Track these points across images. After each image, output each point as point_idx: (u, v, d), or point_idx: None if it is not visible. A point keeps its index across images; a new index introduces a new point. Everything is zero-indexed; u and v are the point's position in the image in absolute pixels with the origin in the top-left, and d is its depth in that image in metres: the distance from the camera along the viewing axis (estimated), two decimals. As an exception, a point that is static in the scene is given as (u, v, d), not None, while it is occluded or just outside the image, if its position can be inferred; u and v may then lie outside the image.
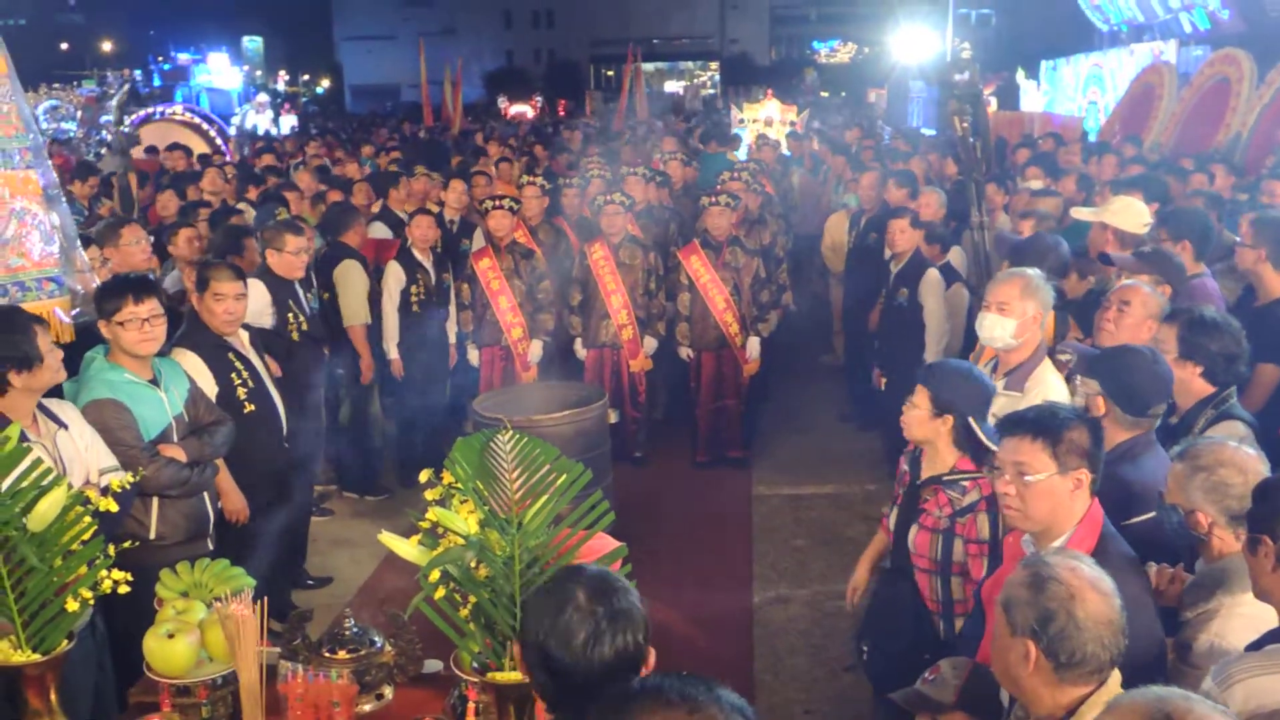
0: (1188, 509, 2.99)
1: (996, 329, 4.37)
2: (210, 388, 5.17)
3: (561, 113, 40.84)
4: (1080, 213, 6.37)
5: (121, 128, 10.26)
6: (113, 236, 6.15)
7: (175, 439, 4.55)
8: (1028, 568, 2.48)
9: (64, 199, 4.98)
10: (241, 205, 9.35)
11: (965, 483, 3.80)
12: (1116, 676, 2.40)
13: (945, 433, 3.83)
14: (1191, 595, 3.00)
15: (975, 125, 7.29)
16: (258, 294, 6.02)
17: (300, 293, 6.55)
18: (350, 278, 7.60)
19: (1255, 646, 2.58)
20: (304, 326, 6.43)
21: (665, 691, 1.74)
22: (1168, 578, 3.07)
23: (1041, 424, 3.03)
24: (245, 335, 5.57)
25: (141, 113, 21.65)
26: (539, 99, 45.79)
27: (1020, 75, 23.53)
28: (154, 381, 4.53)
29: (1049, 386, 4.25)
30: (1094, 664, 2.37)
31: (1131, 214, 5.78)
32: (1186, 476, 3.02)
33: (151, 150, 16.01)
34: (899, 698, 3.16)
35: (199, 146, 17.54)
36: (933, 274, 7.30)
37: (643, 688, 1.78)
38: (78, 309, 4.75)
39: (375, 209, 9.51)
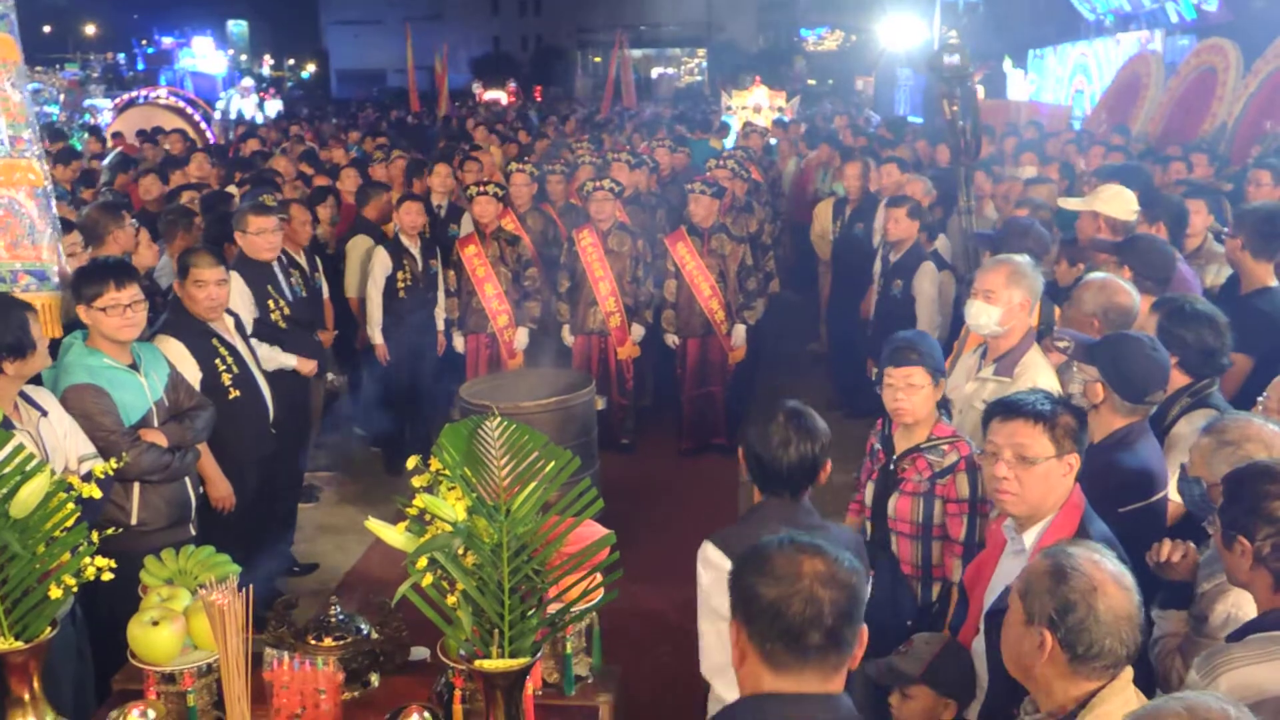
0: (1211, 482, 3.00)
1: (982, 316, 4.40)
2: (194, 374, 5.13)
3: (539, 98, 40.76)
4: (1068, 202, 6.38)
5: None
6: (115, 221, 6.08)
7: (156, 424, 4.51)
8: (1050, 558, 2.43)
9: (53, 190, 4.90)
10: (231, 189, 9.29)
11: (944, 446, 3.89)
12: (1129, 672, 2.37)
13: (936, 400, 3.92)
14: (1208, 567, 3.02)
15: (964, 109, 7.25)
16: (235, 287, 5.95)
17: (280, 277, 6.50)
18: (354, 252, 8.15)
19: (1236, 636, 2.59)
20: (286, 311, 6.38)
21: (800, 542, 2.16)
22: (1180, 552, 3.09)
23: (1038, 408, 3.06)
24: (230, 321, 5.53)
25: (125, 96, 21.54)
26: (514, 84, 45.64)
27: (1007, 64, 23.52)
28: (133, 366, 4.49)
29: (1038, 371, 4.27)
30: (1110, 658, 2.32)
31: (1121, 201, 5.80)
32: (1212, 451, 3.04)
33: (142, 134, 15.90)
34: (870, 669, 3.18)
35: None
36: (928, 267, 7.30)
37: (781, 540, 2.18)
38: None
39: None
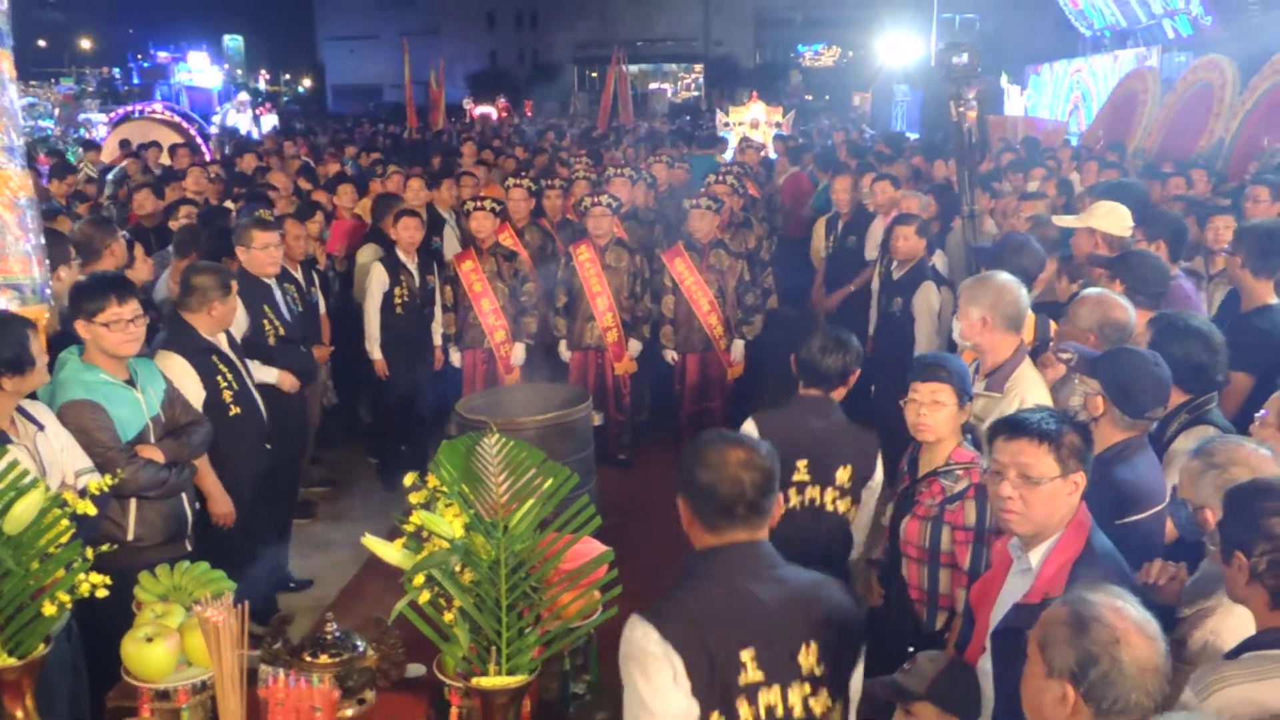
0: (1197, 505, 2.98)
1: (955, 331, 4.52)
2: (197, 391, 5.12)
3: (529, 114, 40.88)
4: (1064, 220, 6.39)
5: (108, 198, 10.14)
6: (109, 235, 6.06)
7: (152, 439, 4.49)
8: (1068, 605, 2.31)
9: (35, 201, 4.84)
10: (229, 204, 9.28)
11: (958, 471, 3.85)
12: None
13: (960, 423, 3.90)
14: (1191, 592, 3.00)
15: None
16: None
17: (277, 295, 6.48)
18: (362, 259, 8.36)
19: (1233, 654, 2.57)
20: (280, 332, 6.36)
21: (727, 436, 2.89)
22: (1169, 574, 3.06)
23: (1043, 427, 3.02)
24: (224, 338, 5.52)
25: (120, 111, 21.54)
26: (504, 99, 45.80)
27: (1004, 80, 23.61)
28: (130, 382, 4.47)
29: (1029, 387, 4.26)
30: (1137, 712, 2.20)
31: (1116, 218, 5.82)
32: (1199, 473, 3.01)
33: (142, 148, 15.87)
34: (874, 685, 3.16)
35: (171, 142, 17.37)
36: (929, 286, 7.17)
37: (712, 436, 2.88)
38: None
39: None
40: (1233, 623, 2.79)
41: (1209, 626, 2.85)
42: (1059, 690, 2.24)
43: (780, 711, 2.69)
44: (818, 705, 2.74)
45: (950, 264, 7.94)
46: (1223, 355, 4.00)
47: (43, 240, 4.63)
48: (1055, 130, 17.88)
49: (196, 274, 5.36)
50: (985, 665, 3.06)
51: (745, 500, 2.68)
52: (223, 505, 5.19)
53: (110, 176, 13.39)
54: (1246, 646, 2.56)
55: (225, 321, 5.38)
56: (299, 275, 7.25)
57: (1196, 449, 3.09)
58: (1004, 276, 4.53)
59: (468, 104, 45.16)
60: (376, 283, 7.81)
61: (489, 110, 41.94)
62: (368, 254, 8.28)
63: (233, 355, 5.51)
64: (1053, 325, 5.18)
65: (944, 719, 3.11)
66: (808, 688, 2.71)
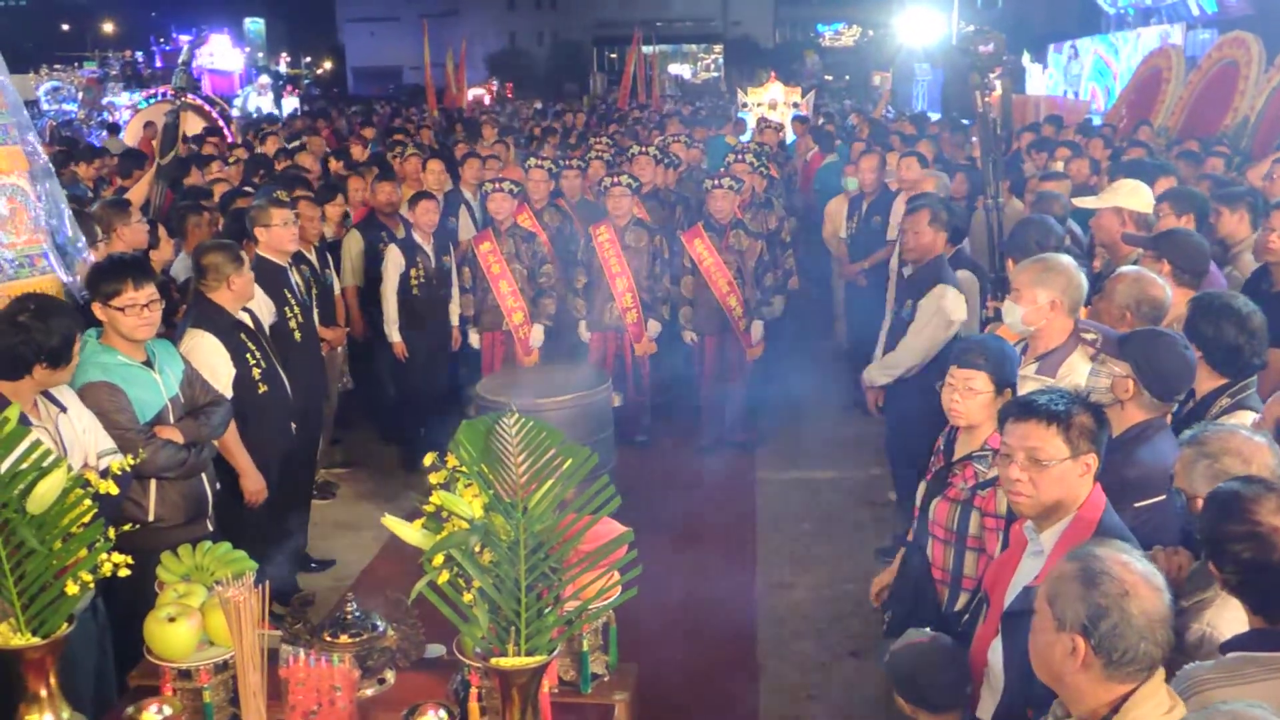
0: (1190, 494, 2.95)
1: (1009, 314, 4.39)
2: (228, 370, 5.15)
3: (510, 95, 41.01)
4: (1085, 201, 6.34)
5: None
6: (120, 216, 6.08)
7: (171, 420, 4.50)
8: (1076, 561, 2.35)
9: (53, 175, 4.89)
10: (249, 188, 9.28)
11: (992, 457, 3.78)
12: (1161, 673, 2.32)
13: (998, 409, 3.76)
14: (1190, 583, 2.95)
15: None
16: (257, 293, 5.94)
17: (292, 278, 6.48)
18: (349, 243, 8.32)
19: (1222, 650, 2.55)
20: (300, 318, 6.37)
21: (929, 196, 6.03)
22: (1176, 565, 3.03)
23: (1053, 408, 2.99)
24: (248, 316, 5.54)
25: (143, 93, 21.59)
26: (494, 83, 45.98)
27: (1026, 58, 23.41)
28: (148, 363, 4.48)
29: (1080, 374, 4.19)
30: (1145, 661, 2.26)
31: (1140, 196, 5.80)
32: (1191, 462, 2.96)
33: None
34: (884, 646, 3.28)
35: (200, 128, 17.44)
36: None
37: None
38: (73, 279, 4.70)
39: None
40: (1229, 615, 2.74)
41: (1206, 618, 2.80)
42: (1069, 644, 2.29)
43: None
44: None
45: (973, 246, 7.87)
46: (1261, 339, 3.89)
47: (53, 207, 4.70)
48: (1078, 109, 17.73)
49: (206, 253, 5.37)
50: (998, 649, 3.03)
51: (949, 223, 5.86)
52: (255, 482, 5.21)
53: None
54: (1232, 645, 2.54)
55: (246, 294, 5.37)
56: (313, 257, 7.25)
57: (1190, 437, 3.03)
58: (1067, 260, 4.42)
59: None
60: (393, 265, 7.80)
61: (480, 92, 41.97)
62: (354, 239, 8.24)
63: (259, 334, 5.54)
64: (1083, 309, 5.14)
65: (897, 697, 3.15)
66: None
